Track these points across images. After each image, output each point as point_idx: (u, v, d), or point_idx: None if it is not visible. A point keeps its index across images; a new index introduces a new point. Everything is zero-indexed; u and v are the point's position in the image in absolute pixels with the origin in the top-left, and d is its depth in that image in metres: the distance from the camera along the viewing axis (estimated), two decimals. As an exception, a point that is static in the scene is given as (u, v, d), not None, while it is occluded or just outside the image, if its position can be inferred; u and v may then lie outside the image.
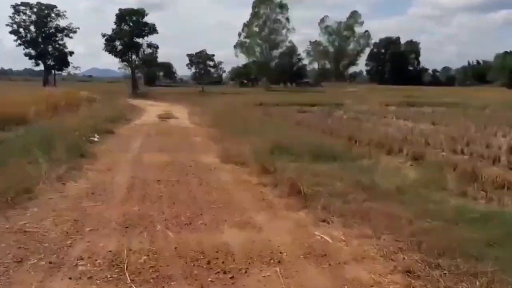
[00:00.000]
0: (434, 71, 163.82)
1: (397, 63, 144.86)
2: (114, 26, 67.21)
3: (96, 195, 9.07)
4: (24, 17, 77.53)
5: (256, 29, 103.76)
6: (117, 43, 68.05)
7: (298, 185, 9.31)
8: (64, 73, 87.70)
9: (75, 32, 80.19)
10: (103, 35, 66.52)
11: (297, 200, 8.80)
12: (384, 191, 9.24)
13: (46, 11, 77.95)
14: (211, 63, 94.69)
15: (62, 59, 79.81)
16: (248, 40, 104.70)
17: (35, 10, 77.38)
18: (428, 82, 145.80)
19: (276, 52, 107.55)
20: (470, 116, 36.62)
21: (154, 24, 69.35)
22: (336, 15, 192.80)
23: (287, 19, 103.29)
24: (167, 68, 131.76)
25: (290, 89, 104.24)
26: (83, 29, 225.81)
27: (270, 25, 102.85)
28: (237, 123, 22.26)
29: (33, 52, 78.16)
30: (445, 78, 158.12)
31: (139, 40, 68.62)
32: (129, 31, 66.14)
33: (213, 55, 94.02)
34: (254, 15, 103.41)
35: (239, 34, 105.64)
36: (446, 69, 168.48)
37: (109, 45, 67.34)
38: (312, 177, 10.19)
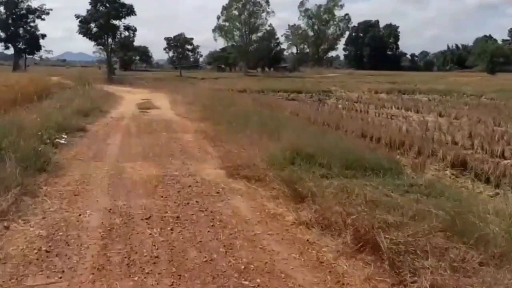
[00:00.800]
0: (413, 55, 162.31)
1: (376, 48, 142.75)
2: (89, 7, 62.20)
3: (52, 254, 5.55)
4: None
5: (236, 12, 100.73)
6: (92, 25, 62.87)
7: (365, 229, 5.96)
8: (36, 57, 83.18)
9: (47, 13, 75.59)
10: (77, 17, 61.56)
11: (379, 267, 5.31)
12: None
13: (17, -9, 73.50)
14: (190, 47, 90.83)
15: (33, 42, 75.20)
16: (227, 24, 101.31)
17: (4, -12, 72.88)
18: (407, 67, 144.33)
19: (255, 36, 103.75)
20: (472, 106, 33.72)
21: (132, 5, 64.28)
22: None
23: (267, 1, 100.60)
24: (144, 52, 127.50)
25: (269, 74, 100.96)
26: (56, 11, 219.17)
27: (250, 8, 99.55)
28: (229, 114, 19.31)
29: (2, 35, 73.63)
30: (423, 63, 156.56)
31: (116, 22, 63.87)
32: (105, 13, 61.04)
33: (192, 38, 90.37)
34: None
35: (218, 18, 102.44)
36: (424, 53, 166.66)
37: (84, 28, 62.32)
38: (370, 210, 6.73)
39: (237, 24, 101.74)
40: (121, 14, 61.99)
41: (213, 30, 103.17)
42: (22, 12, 74.13)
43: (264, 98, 36.19)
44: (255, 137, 13.46)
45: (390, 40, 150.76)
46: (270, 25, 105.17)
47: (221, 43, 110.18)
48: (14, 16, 73.26)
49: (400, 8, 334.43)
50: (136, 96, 33.99)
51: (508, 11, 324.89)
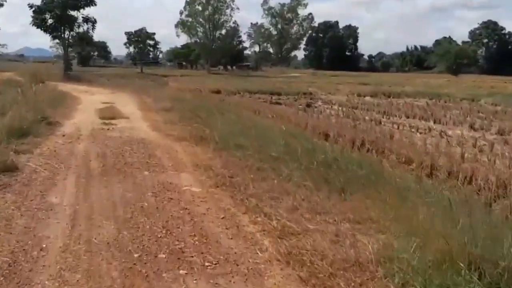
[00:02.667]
0: (370, 56, 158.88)
1: (335, 48, 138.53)
2: None
3: None
4: None
5: (199, 7, 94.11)
6: (48, 16, 53.58)
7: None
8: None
9: (1, 5, 67.25)
10: (30, 6, 52.89)
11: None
12: None
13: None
14: (151, 42, 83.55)
15: (-17, 35, 66.93)
16: (190, 19, 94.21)
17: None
18: (365, 68, 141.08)
19: (219, 33, 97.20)
20: (489, 114, 28.00)
21: None
22: None
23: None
24: (102, 48, 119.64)
25: (233, 73, 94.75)
26: (13, 5, 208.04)
27: (214, 4, 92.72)
28: (227, 129, 14.00)
29: None
30: (380, 64, 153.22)
31: (74, 13, 54.59)
32: (62, 2, 52.27)
33: (154, 33, 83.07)
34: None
35: (181, 12, 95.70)
36: (380, 54, 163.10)
37: (38, 19, 53.24)
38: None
39: (201, 20, 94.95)
40: (79, 4, 53.40)
41: (176, 26, 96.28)
42: (-28, 4, 65.72)
43: (248, 102, 29.84)
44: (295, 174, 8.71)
45: (349, 41, 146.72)
46: (235, 22, 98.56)
47: (181, 40, 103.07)
48: (-37, 8, 64.86)
49: (352, 10, 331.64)
50: (96, 98, 27.22)
51: (457, 13, 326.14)
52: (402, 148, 13.86)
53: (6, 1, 65.99)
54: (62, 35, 53.17)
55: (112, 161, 10.18)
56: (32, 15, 51.52)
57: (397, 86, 56.46)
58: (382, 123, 22.92)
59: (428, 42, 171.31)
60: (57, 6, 51.52)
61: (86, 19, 53.16)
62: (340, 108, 30.27)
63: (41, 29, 52.27)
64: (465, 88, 54.40)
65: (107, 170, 9.36)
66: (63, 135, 13.43)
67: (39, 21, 51.92)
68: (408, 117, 25.65)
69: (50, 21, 53.01)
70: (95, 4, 52.39)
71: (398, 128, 21.08)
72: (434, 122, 23.35)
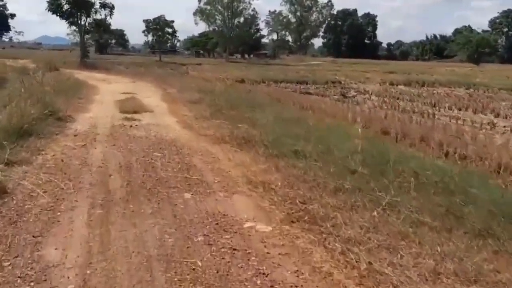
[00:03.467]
0: (389, 44, 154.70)
1: (354, 36, 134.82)
2: None
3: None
4: None
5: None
6: (63, 1, 49.83)
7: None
8: (6, 38, 72.17)
9: (16, -9, 64.84)
10: None
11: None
12: None
13: (-20, -37, 62.44)
14: (170, 30, 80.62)
15: (1, 22, 64.39)
16: (208, 7, 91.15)
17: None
18: (384, 56, 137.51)
19: (237, 21, 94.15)
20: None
21: None
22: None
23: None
24: (120, 36, 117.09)
25: (251, 61, 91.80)
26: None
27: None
28: (273, 127, 11.59)
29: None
30: (399, 52, 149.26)
31: None
32: None
33: (173, 21, 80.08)
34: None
35: (199, 0, 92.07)
36: (399, 43, 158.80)
37: (53, 4, 49.52)
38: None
39: (219, 7, 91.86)
40: None
41: (194, 13, 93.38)
42: (-12, -10, 63.40)
43: (277, 92, 27.01)
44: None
45: (368, 29, 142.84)
46: (253, 10, 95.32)
47: (198, 29, 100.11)
48: (-20, -5, 62.56)
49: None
50: (115, 87, 24.54)
51: (473, 4, 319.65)
52: (492, 151, 11.03)
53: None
54: (79, 22, 50.12)
55: (140, 176, 7.41)
56: (47, 0, 48.47)
57: (425, 74, 53.43)
58: (436, 116, 20.08)
59: (444, 31, 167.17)
60: None
61: (104, 5, 50.24)
62: (379, 98, 27.42)
63: (57, 15, 49.32)
64: (494, 77, 51.14)
65: (134, 192, 6.60)
66: (75, 135, 10.69)
67: (54, 7, 48.81)
68: (460, 109, 22.82)
69: (66, 6, 49.86)
70: None
71: (456, 122, 18.20)
72: (496, 116, 20.44)
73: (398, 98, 27.26)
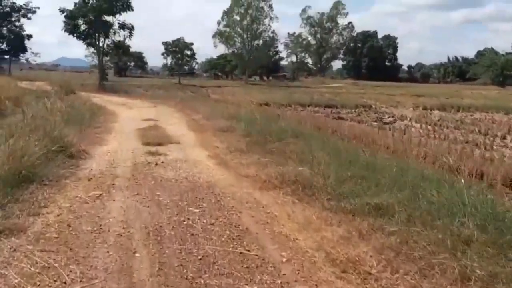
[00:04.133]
0: (409, 67, 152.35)
1: (374, 58, 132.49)
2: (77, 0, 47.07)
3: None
4: None
5: (237, 17, 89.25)
6: (80, 21, 47.09)
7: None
8: (23, 60, 70.77)
9: (34, 12, 62.91)
10: (62, 11, 46.31)
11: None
12: None
13: (0, -14, 61.03)
14: (189, 53, 78.92)
15: (18, 43, 62.88)
16: (228, 29, 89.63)
17: (-15, -16, 60.37)
18: (405, 78, 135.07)
19: (257, 43, 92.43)
20: None
21: None
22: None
23: (270, 6, 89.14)
24: (139, 58, 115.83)
25: (271, 83, 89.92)
26: (51, 16, 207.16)
27: (252, 13, 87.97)
28: (329, 166, 9.07)
29: (-18, 35, 61.44)
30: (420, 74, 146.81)
31: (109, 18, 48.05)
32: (96, 7, 46.18)
33: (192, 43, 78.31)
34: (236, 1, 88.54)
35: (219, 23, 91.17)
36: (419, 65, 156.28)
37: (70, 24, 46.64)
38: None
39: (239, 30, 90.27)
40: (115, 9, 47.09)
41: (213, 36, 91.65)
42: (5, 10, 61.92)
43: (309, 118, 24.75)
44: None
45: (389, 51, 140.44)
46: (273, 32, 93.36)
47: (216, 51, 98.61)
48: (-4, 15, 61.17)
49: (385, 21, 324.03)
50: (135, 113, 22.55)
51: (491, 26, 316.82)
52: None
53: (39, 8, 62.40)
54: (97, 43, 47.91)
55: (176, 253, 5.17)
56: (64, 20, 46.49)
57: (454, 98, 50.86)
58: (494, 147, 17.73)
59: (462, 53, 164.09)
60: (90, 11, 46.26)
61: (123, 26, 47.89)
62: (420, 125, 25.15)
63: (73, 36, 46.97)
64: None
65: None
66: (89, 179, 8.51)
67: (71, 27, 46.38)
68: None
69: (83, 27, 47.57)
70: (132, 9, 46.73)
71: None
72: None
73: (441, 125, 24.89)
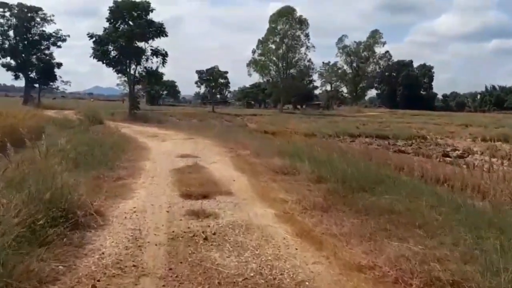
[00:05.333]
0: (444, 96, 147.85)
1: (409, 87, 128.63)
2: (107, 25, 43.29)
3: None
4: (1, 20, 58.12)
5: (273, 46, 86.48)
6: (111, 47, 42.94)
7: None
8: (57, 89, 68.27)
9: (64, 40, 60.58)
10: (90, 36, 42.22)
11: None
12: None
13: (29, 14, 58.71)
14: (223, 81, 75.99)
15: (47, 71, 60.28)
16: (263, 58, 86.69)
17: (15, 12, 58.03)
18: (440, 107, 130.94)
19: (292, 72, 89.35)
20: None
21: (162, 24, 43.69)
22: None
23: (307, 35, 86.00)
24: (172, 87, 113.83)
25: (306, 112, 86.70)
26: (85, 45, 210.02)
27: (288, 42, 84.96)
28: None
29: (12, 63, 58.93)
30: (455, 104, 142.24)
31: (141, 44, 43.82)
32: (127, 32, 41.93)
33: (226, 72, 75.48)
34: (271, 30, 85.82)
35: (253, 51, 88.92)
36: (454, 94, 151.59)
37: (99, 50, 42.37)
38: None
39: (274, 58, 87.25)
40: (148, 35, 43.02)
41: (248, 64, 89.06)
42: (35, 38, 59.62)
43: (372, 151, 20.85)
44: None
45: (424, 80, 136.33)
46: (309, 60, 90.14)
47: (248, 80, 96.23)
48: (26, 42, 58.68)
49: (418, 51, 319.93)
50: (169, 146, 19.00)
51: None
52: None
53: (69, 36, 59.94)
54: (128, 70, 44.29)
55: None
56: (93, 46, 42.99)
57: (505, 128, 46.40)
58: None
59: (494, 82, 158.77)
60: (121, 36, 42.19)
61: (156, 52, 44.21)
62: (499, 160, 21.13)
63: (103, 62, 43.55)
64: None
65: None
66: (96, 280, 4.77)
67: (100, 53, 42.82)
68: None
69: (113, 53, 43.86)
70: (166, 35, 43.13)
71: None
72: None
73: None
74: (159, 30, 42.17)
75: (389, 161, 16.71)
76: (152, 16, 43.04)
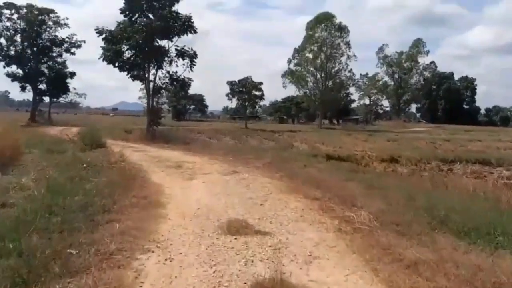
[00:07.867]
0: (487, 110, 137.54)
1: (450, 100, 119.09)
2: (121, 18, 31.84)
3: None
4: (7, 23, 49.61)
5: (310, 55, 77.32)
6: (124, 47, 31.53)
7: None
8: (63, 100, 60.35)
9: (79, 46, 51.96)
10: (99, 33, 31.09)
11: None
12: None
13: (40, 17, 50.31)
14: (257, 93, 67.43)
15: (59, 82, 51.86)
16: (299, 68, 78.03)
17: (23, 14, 49.67)
18: (484, 122, 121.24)
19: (331, 83, 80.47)
20: None
21: (190, 17, 31.52)
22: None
23: (347, 43, 77.07)
24: (199, 101, 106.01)
25: (346, 128, 77.97)
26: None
27: (327, 51, 76.03)
28: None
29: (20, 73, 50.42)
30: (499, 118, 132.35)
31: (164, 42, 32.61)
32: (146, 25, 30.89)
33: (261, 83, 67.04)
34: (308, 38, 77.11)
35: (289, 61, 79.89)
36: (496, 108, 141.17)
37: (110, 50, 31.04)
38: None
39: (311, 69, 78.36)
40: (174, 30, 31.62)
41: (283, 76, 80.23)
42: (45, 44, 51.39)
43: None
44: None
45: (467, 93, 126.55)
46: (350, 71, 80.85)
47: (282, 93, 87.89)
48: (35, 49, 50.55)
49: (452, 64, 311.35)
50: (201, 192, 10.54)
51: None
52: None
53: (84, 42, 51.99)
54: (146, 75, 33.00)
55: None
56: (103, 46, 31.58)
57: None
58: None
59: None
60: (138, 32, 30.96)
61: (182, 52, 32.31)
62: None
63: (114, 66, 31.96)
64: None
65: None
66: None
67: (111, 54, 31.43)
68: None
69: (127, 53, 32.20)
70: (195, 31, 32.02)
71: None
72: None
73: None
74: (187, 25, 31.61)
75: None
76: (177, 8, 32.35)
